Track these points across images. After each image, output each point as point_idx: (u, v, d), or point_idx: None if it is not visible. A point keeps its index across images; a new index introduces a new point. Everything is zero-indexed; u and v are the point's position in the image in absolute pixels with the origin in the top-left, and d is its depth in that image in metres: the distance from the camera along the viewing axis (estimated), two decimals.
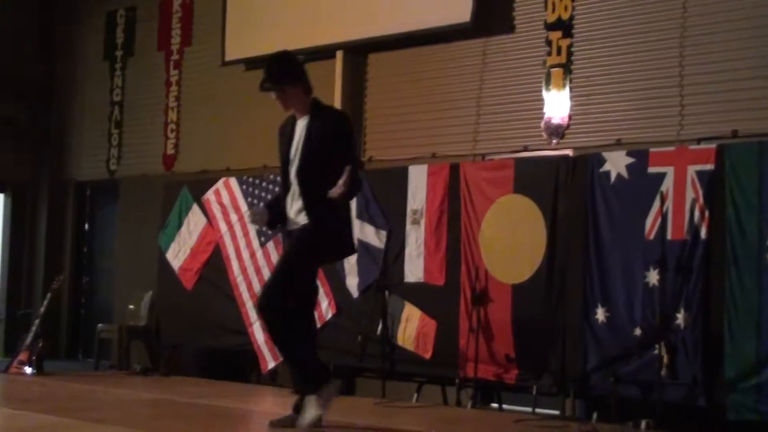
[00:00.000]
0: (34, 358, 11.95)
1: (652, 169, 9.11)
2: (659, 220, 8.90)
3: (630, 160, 9.27)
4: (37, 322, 12.42)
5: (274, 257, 11.83)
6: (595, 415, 8.99)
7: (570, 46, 10.59)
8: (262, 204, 7.38)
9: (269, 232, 7.35)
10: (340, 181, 6.70)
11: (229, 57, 13.70)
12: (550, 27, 10.75)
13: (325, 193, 6.76)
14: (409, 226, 10.68)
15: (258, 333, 11.90)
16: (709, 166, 8.78)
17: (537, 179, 9.89)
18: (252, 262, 12.15)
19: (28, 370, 11.87)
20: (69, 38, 16.46)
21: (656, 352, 8.67)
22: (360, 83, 12.32)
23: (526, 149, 10.80)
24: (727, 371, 8.47)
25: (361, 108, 12.24)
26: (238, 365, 12.67)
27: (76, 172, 16.21)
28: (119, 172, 15.52)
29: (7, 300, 16.16)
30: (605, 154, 9.52)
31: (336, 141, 7.03)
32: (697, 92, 9.66)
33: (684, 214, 8.85)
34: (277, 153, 7.38)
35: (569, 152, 10.28)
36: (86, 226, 16.32)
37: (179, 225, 13.08)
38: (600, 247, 9.36)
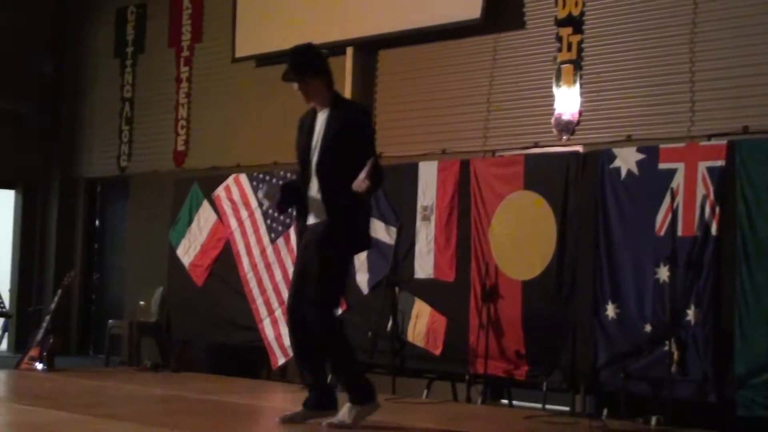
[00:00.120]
0: (44, 354, 11.97)
1: (662, 166, 9.09)
2: (670, 217, 8.89)
3: (640, 156, 9.25)
4: (47, 318, 12.44)
5: (284, 254, 11.85)
6: (605, 412, 8.99)
7: (580, 43, 10.57)
8: (275, 180, 7.30)
9: (276, 214, 7.24)
10: (362, 174, 6.66)
11: (239, 53, 13.71)
12: (560, 23, 10.73)
13: (344, 187, 6.73)
14: (419, 223, 10.68)
15: (268, 329, 11.92)
16: (720, 163, 8.76)
17: (547, 175, 9.88)
18: (262, 259, 12.16)
19: (39, 366, 11.89)
20: (80, 35, 16.49)
21: (666, 348, 8.65)
22: (370, 80, 12.33)
23: (536, 145, 10.79)
24: (738, 368, 8.45)
25: (371, 104, 12.24)
26: (249, 361, 12.68)
27: (86, 168, 16.24)
28: (130, 169, 15.54)
29: (18, 296, 16.20)
30: (615, 151, 9.50)
31: (356, 135, 7.00)
32: (708, 88, 9.64)
33: (694, 210, 8.83)
34: (291, 147, 7.36)
35: (579, 148, 10.27)
36: (97, 222, 16.36)
37: (189, 221, 13.09)
38: (610, 243, 9.35)
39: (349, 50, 12.32)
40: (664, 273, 8.92)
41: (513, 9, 11.11)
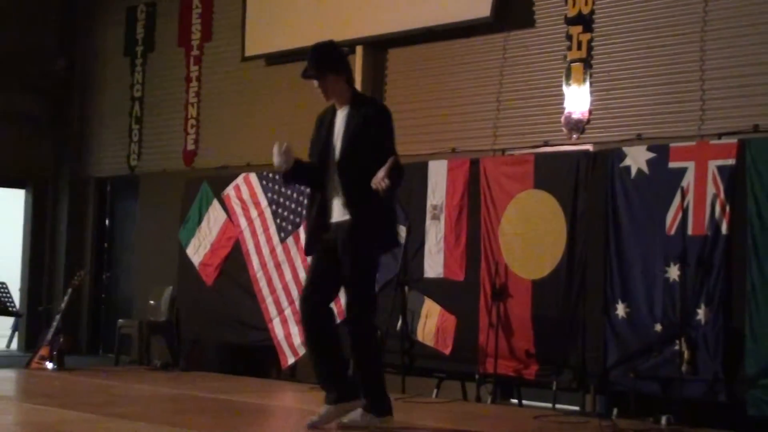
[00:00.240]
0: (55, 353, 12.00)
1: (672, 164, 9.07)
2: (680, 216, 8.87)
3: (650, 155, 9.24)
4: (58, 317, 12.47)
5: (294, 253, 11.84)
6: (615, 411, 8.98)
7: (590, 41, 10.56)
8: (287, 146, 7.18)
9: (282, 178, 7.14)
10: (381, 172, 6.63)
11: (249, 52, 13.71)
12: (570, 21, 10.72)
13: (366, 185, 6.69)
14: (428, 222, 10.66)
15: (278, 328, 11.91)
16: (730, 161, 8.74)
17: (557, 174, 9.87)
18: (272, 258, 12.15)
19: (49, 365, 11.91)
20: (90, 34, 16.52)
21: (677, 348, 8.64)
22: (380, 78, 12.32)
23: (546, 144, 10.77)
24: (748, 367, 8.43)
25: None
26: (258, 361, 12.70)
27: (96, 168, 16.26)
28: (139, 168, 15.55)
29: (29, 296, 16.24)
30: (626, 149, 9.49)
31: (377, 132, 6.97)
32: (718, 87, 9.62)
33: (705, 209, 8.80)
34: (301, 146, 7.35)
35: (589, 147, 10.25)
36: (107, 221, 16.37)
37: (199, 220, 13.09)
38: (620, 242, 9.33)
39: (359, 49, 12.31)
40: (674, 272, 8.91)
41: (523, 7, 11.10)
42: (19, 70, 16.02)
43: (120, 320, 14.24)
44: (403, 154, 11.31)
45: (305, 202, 11.64)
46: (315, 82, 7.14)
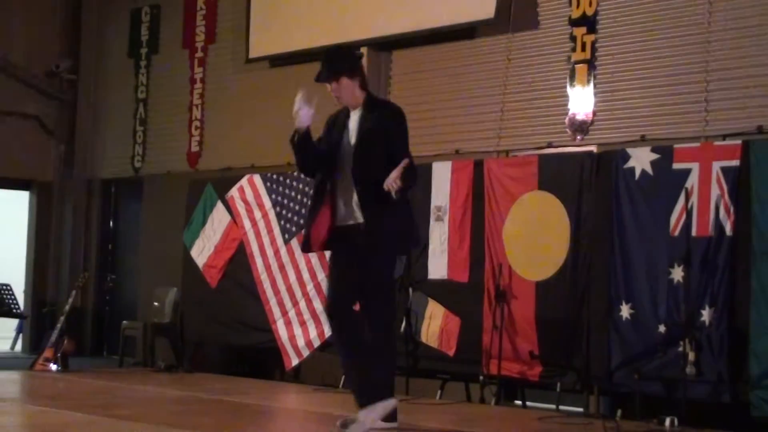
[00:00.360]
0: (59, 355, 12.00)
1: (676, 166, 9.07)
2: (684, 217, 8.87)
3: (655, 156, 9.24)
4: (62, 319, 12.48)
5: (298, 254, 11.83)
6: (619, 413, 8.96)
7: (594, 42, 10.55)
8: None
9: (292, 136, 7.04)
10: (394, 173, 6.62)
11: (253, 54, 13.72)
12: (574, 23, 10.71)
13: (380, 186, 6.66)
14: (432, 223, 10.67)
15: (282, 330, 11.92)
16: (735, 162, 8.73)
17: (561, 176, 9.87)
18: (276, 260, 12.16)
19: (54, 367, 11.92)
20: (94, 36, 16.52)
21: (681, 349, 8.63)
22: (384, 80, 12.32)
23: (550, 146, 10.77)
24: (752, 368, 8.43)
25: None
26: (262, 362, 12.70)
27: (101, 169, 16.27)
28: (144, 170, 15.56)
29: (33, 297, 16.25)
30: (630, 151, 9.49)
31: (391, 135, 6.96)
32: (722, 88, 9.61)
33: (709, 210, 8.80)
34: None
35: (593, 149, 10.24)
36: (111, 223, 16.38)
37: (203, 222, 13.10)
38: (624, 243, 9.33)
39: (363, 50, 12.26)
40: (678, 273, 8.91)
41: (527, 9, 11.09)
42: (23, 72, 16.03)
43: (124, 322, 14.26)
44: None
45: (309, 203, 11.68)
46: (328, 86, 7.10)
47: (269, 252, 12.26)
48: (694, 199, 8.86)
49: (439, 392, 10.50)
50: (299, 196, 12.02)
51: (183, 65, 14.96)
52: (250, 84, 13.95)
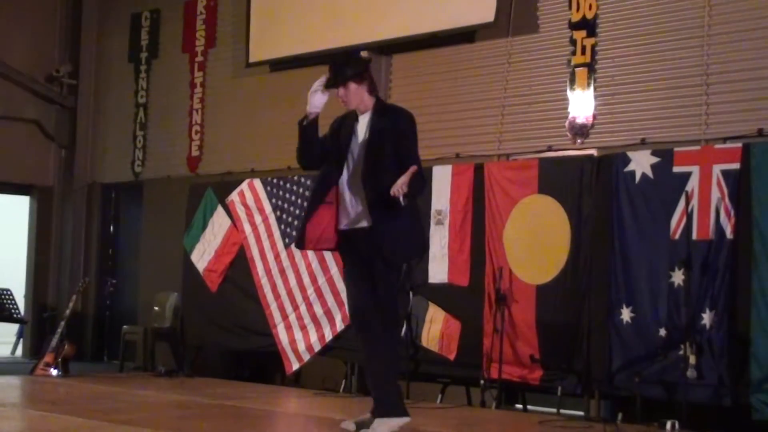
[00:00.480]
0: (59, 360, 12.01)
1: (677, 169, 9.07)
2: (684, 220, 8.87)
3: (655, 159, 9.24)
4: (62, 323, 12.47)
5: (298, 258, 11.84)
6: (620, 416, 8.95)
7: (594, 46, 10.55)
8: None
9: (301, 119, 7.00)
10: (401, 179, 6.61)
11: (253, 58, 13.71)
12: (574, 26, 10.71)
13: (388, 192, 6.66)
14: (433, 227, 10.66)
15: (282, 334, 11.91)
16: (735, 165, 8.74)
17: (561, 179, 9.87)
18: (276, 264, 12.15)
19: (54, 371, 11.92)
20: (94, 41, 16.51)
21: (681, 352, 8.63)
22: (384, 83, 12.32)
23: (550, 149, 10.76)
24: (753, 371, 8.43)
25: None
26: (263, 367, 12.69)
27: (101, 174, 16.26)
28: (144, 174, 15.56)
29: (33, 302, 16.23)
30: (630, 154, 9.49)
31: (401, 139, 6.94)
32: (722, 91, 9.61)
33: (709, 213, 8.80)
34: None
35: (594, 152, 10.24)
36: (111, 228, 16.36)
37: (204, 226, 13.10)
38: (625, 247, 9.33)
39: (363, 55, 12.30)
40: (678, 277, 8.91)
41: (527, 13, 11.09)
42: (23, 77, 16.03)
43: (125, 327, 14.26)
44: None
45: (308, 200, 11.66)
46: (337, 92, 7.08)
47: (270, 256, 12.26)
48: (694, 202, 8.86)
49: (439, 396, 10.50)
50: (300, 201, 12.02)
51: (183, 69, 14.96)
52: (251, 88, 13.94)
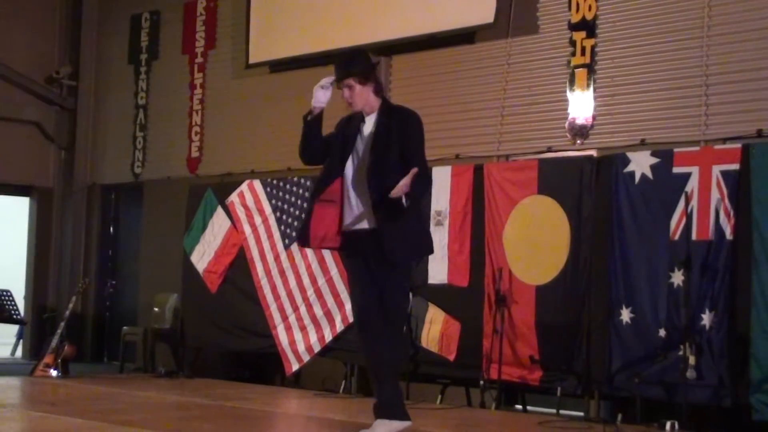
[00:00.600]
0: (59, 361, 12.01)
1: (676, 169, 9.08)
2: (684, 221, 8.87)
3: (654, 160, 9.24)
4: (62, 325, 12.47)
5: (298, 260, 11.84)
6: (620, 417, 8.94)
7: (594, 47, 10.55)
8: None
9: (306, 114, 6.98)
10: (403, 181, 6.59)
11: (253, 59, 13.71)
12: (573, 27, 10.71)
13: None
14: (432, 228, 10.64)
15: (282, 335, 11.91)
16: (735, 166, 8.74)
17: (561, 180, 9.87)
18: (276, 265, 12.15)
19: (54, 373, 11.92)
20: (94, 42, 16.52)
21: (681, 353, 8.63)
22: (384, 85, 12.30)
23: (550, 150, 10.76)
24: (753, 372, 8.43)
25: None
26: (262, 368, 12.69)
27: (101, 175, 16.26)
28: (144, 176, 15.56)
29: (33, 303, 16.24)
30: (630, 155, 9.49)
31: (407, 141, 6.91)
32: (722, 92, 9.61)
33: (709, 214, 8.81)
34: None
35: (593, 153, 10.24)
36: (111, 229, 16.36)
37: (204, 227, 13.10)
38: (624, 247, 9.33)
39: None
40: (678, 277, 8.91)
41: (526, 13, 11.10)
42: (23, 78, 16.03)
43: (125, 328, 14.26)
44: None
45: (310, 198, 11.66)
46: (342, 92, 7.05)
47: (269, 257, 12.26)
48: (694, 203, 8.87)
49: (439, 397, 10.50)
50: (299, 202, 12.02)
51: (183, 71, 14.96)
52: (250, 89, 13.95)
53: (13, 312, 13.17)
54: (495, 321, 9.97)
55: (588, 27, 10.60)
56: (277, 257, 12.17)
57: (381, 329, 6.93)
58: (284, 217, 12.17)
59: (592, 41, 10.57)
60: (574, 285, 9.64)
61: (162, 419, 8.35)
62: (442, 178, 10.69)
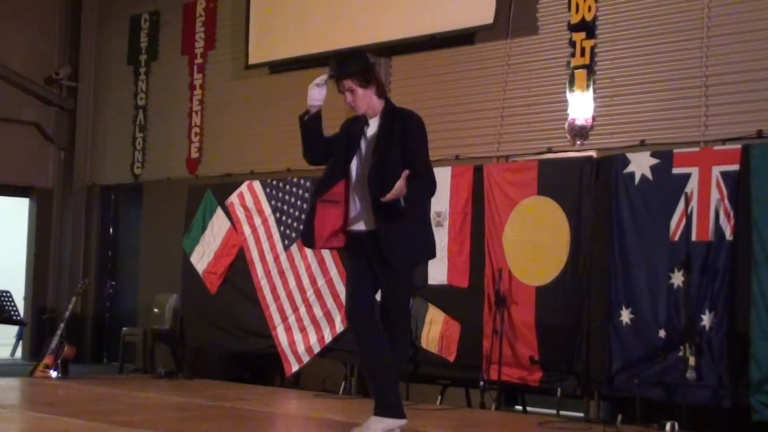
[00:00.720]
0: (59, 361, 12.00)
1: (676, 170, 9.08)
2: (684, 221, 8.88)
3: (654, 161, 9.24)
4: (62, 326, 12.47)
5: (298, 260, 11.85)
6: (619, 417, 8.97)
7: (594, 47, 10.55)
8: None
9: (302, 114, 6.96)
10: (397, 185, 6.59)
11: (252, 60, 13.71)
12: (573, 28, 10.71)
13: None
14: (432, 228, 10.63)
15: (282, 336, 11.92)
16: (734, 167, 8.74)
17: (561, 181, 9.87)
18: (276, 266, 12.16)
19: (53, 373, 11.92)
20: (93, 43, 16.52)
21: (681, 353, 8.63)
22: (384, 86, 12.31)
23: (549, 151, 10.75)
24: (753, 372, 8.43)
25: None
26: (262, 368, 12.69)
27: (100, 176, 16.26)
28: (144, 176, 15.55)
29: (33, 304, 16.23)
30: (629, 155, 9.50)
31: (407, 142, 6.88)
32: (722, 92, 9.60)
33: (709, 215, 8.81)
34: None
35: (593, 153, 10.24)
36: (111, 230, 16.36)
37: (203, 228, 13.10)
38: (624, 248, 9.33)
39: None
40: (678, 278, 8.91)
41: (526, 14, 11.09)
42: (23, 79, 16.03)
43: (124, 328, 14.26)
44: None
45: (314, 198, 11.65)
46: (345, 96, 7.03)
47: (269, 258, 12.26)
48: (693, 203, 8.87)
49: (439, 398, 10.50)
50: (299, 202, 12.02)
51: (182, 71, 14.96)
52: (250, 90, 13.94)
53: (12, 313, 13.16)
54: (495, 322, 9.97)
55: (588, 28, 10.60)
56: (276, 258, 12.17)
57: (369, 329, 6.93)
58: (284, 217, 12.17)
59: (591, 42, 10.56)
60: (573, 286, 9.65)
61: (162, 420, 8.35)
62: (441, 179, 10.52)
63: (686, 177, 8.99)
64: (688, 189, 8.92)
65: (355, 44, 12.03)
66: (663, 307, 9.02)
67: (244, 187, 12.72)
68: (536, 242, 9.96)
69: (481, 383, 10.12)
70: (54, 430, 7.42)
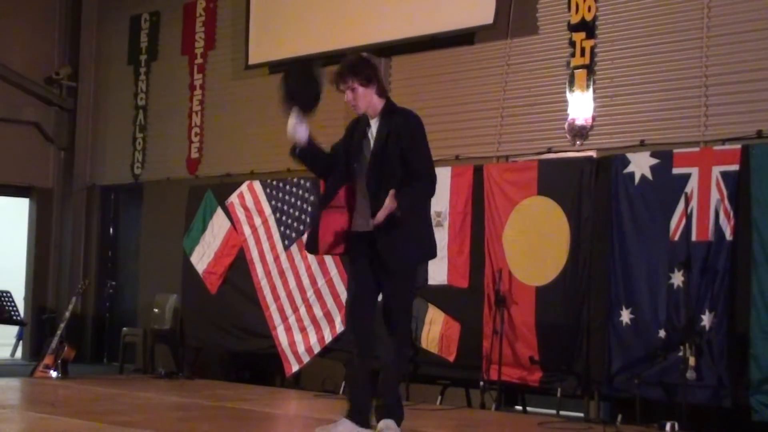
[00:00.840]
0: (59, 362, 12.00)
1: (676, 170, 9.08)
2: (684, 222, 8.88)
3: (654, 161, 9.24)
4: (62, 326, 12.47)
5: (298, 260, 11.85)
6: (619, 418, 8.96)
7: (593, 47, 10.55)
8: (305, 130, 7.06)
9: (292, 148, 6.99)
10: (386, 203, 6.58)
11: (252, 60, 13.71)
12: (573, 28, 10.71)
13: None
14: (432, 228, 10.63)
15: (282, 336, 11.91)
16: (734, 167, 8.74)
17: (561, 181, 9.87)
18: (276, 266, 12.16)
19: (54, 374, 11.92)
20: (93, 43, 16.52)
21: (681, 353, 8.63)
22: (385, 86, 12.30)
23: (549, 151, 10.76)
24: (753, 372, 8.43)
25: None
26: (262, 368, 12.69)
27: (100, 176, 16.26)
28: (144, 176, 15.55)
29: (33, 304, 16.24)
30: (629, 156, 9.50)
31: (406, 142, 6.86)
32: (722, 92, 9.60)
33: (709, 215, 8.81)
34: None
35: (593, 154, 10.24)
36: (111, 230, 16.36)
37: (203, 229, 13.10)
38: (624, 248, 9.33)
39: (364, 55, 12.27)
40: (678, 278, 8.91)
41: (526, 14, 11.09)
42: (23, 79, 16.04)
43: (124, 329, 14.27)
44: None
45: (309, 209, 11.67)
46: (345, 94, 7.04)
47: (269, 258, 12.26)
48: (693, 203, 8.87)
49: (439, 398, 10.50)
50: (299, 203, 12.03)
51: (182, 72, 14.96)
52: (250, 90, 13.94)
53: (12, 313, 13.16)
54: (495, 322, 9.97)
55: (588, 28, 10.60)
56: (276, 258, 12.17)
57: (366, 329, 6.95)
58: (284, 218, 12.17)
59: (591, 42, 10.56)
60: (573, 286, 9.65)
61: (162, 420, 8.35)
62: (441, 179, 10.46)
63: (686, 177, 8.99)
64: (688, 189, 8.92)
65: (355, 44, 12.06)
66: (663, 307, 9.02)
67: (244, 187, 12.72)
68: (536, 242, 9.96)
69: (481, 383, 10.12)
70: (54, 430, 7.42)
